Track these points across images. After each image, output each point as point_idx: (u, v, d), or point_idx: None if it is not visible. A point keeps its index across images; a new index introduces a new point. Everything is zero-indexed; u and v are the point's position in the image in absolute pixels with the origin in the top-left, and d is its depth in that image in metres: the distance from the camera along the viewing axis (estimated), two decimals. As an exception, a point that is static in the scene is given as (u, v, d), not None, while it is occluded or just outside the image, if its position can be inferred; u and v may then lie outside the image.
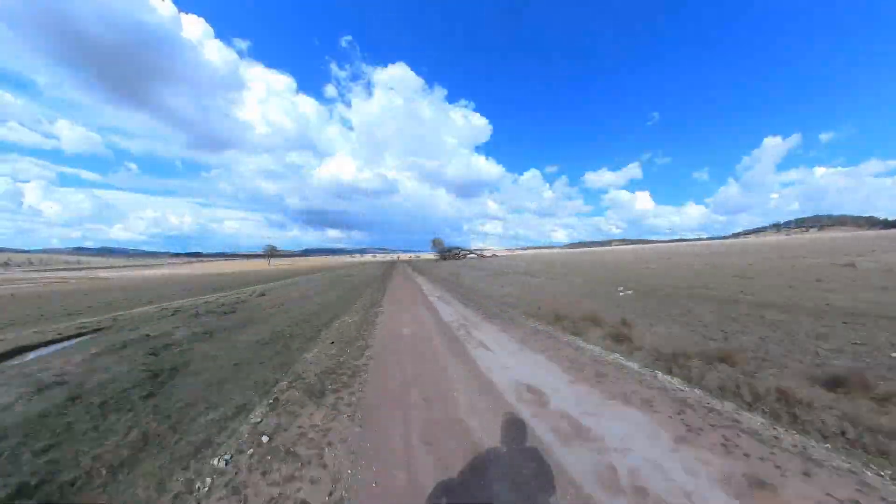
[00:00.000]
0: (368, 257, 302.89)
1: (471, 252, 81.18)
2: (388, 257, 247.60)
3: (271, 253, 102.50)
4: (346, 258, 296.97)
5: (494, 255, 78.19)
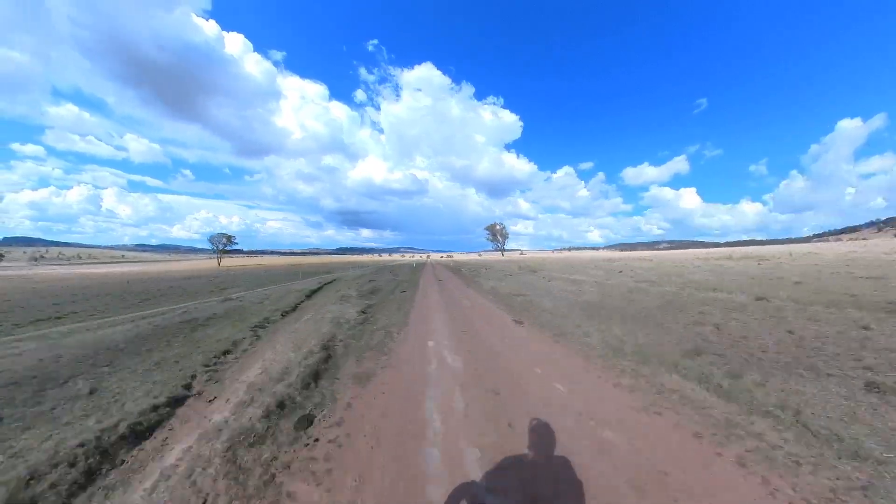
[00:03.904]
0: (397, 256, 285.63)
1: None
2: (417, 257, 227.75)
3: (224, 248, 67.34)
4: (375, 257, 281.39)
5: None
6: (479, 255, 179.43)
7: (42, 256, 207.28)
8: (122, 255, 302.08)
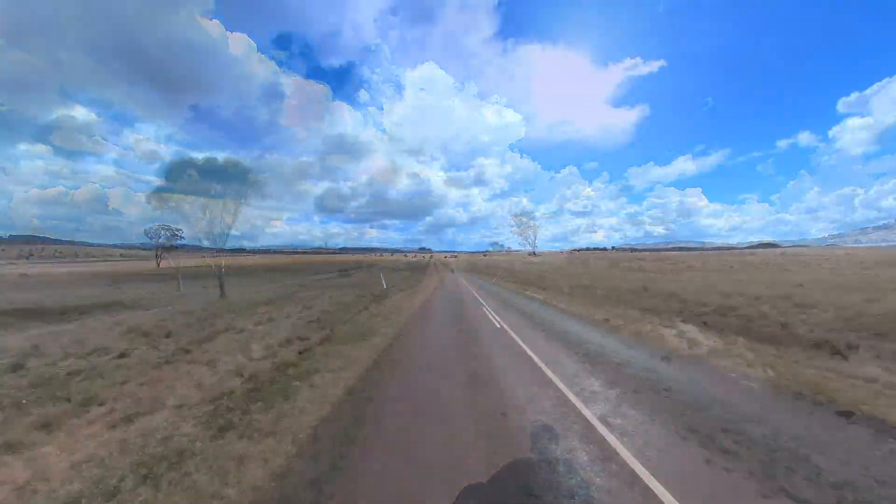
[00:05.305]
0: (399, 256, 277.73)
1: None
2: (420, 257, 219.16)
3: (167, 244, 52.63)
4: (377, 256, 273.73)
5: None
6: (484, 255, 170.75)
7: (31, 254, 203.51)
8: (121, 254, 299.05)
